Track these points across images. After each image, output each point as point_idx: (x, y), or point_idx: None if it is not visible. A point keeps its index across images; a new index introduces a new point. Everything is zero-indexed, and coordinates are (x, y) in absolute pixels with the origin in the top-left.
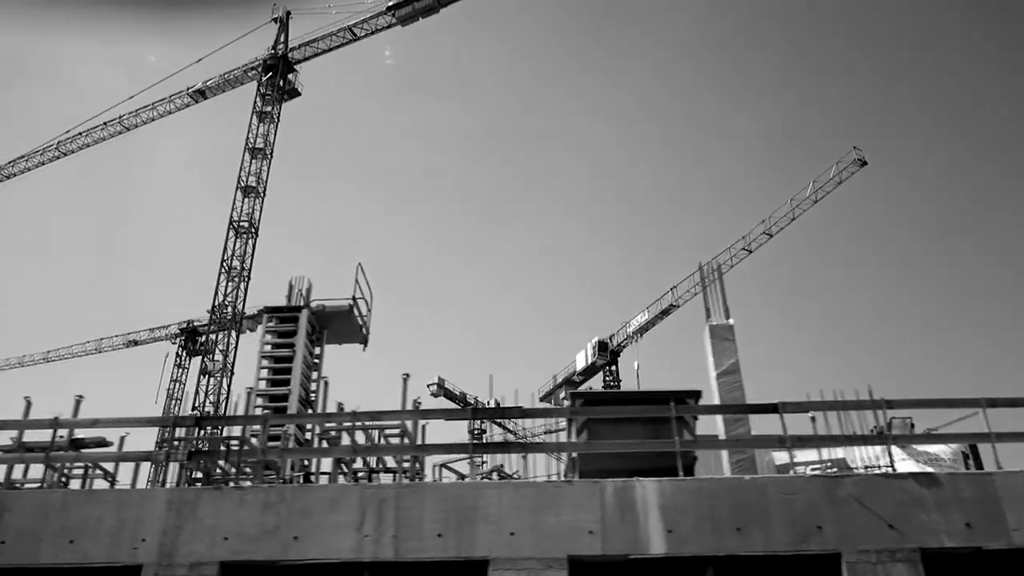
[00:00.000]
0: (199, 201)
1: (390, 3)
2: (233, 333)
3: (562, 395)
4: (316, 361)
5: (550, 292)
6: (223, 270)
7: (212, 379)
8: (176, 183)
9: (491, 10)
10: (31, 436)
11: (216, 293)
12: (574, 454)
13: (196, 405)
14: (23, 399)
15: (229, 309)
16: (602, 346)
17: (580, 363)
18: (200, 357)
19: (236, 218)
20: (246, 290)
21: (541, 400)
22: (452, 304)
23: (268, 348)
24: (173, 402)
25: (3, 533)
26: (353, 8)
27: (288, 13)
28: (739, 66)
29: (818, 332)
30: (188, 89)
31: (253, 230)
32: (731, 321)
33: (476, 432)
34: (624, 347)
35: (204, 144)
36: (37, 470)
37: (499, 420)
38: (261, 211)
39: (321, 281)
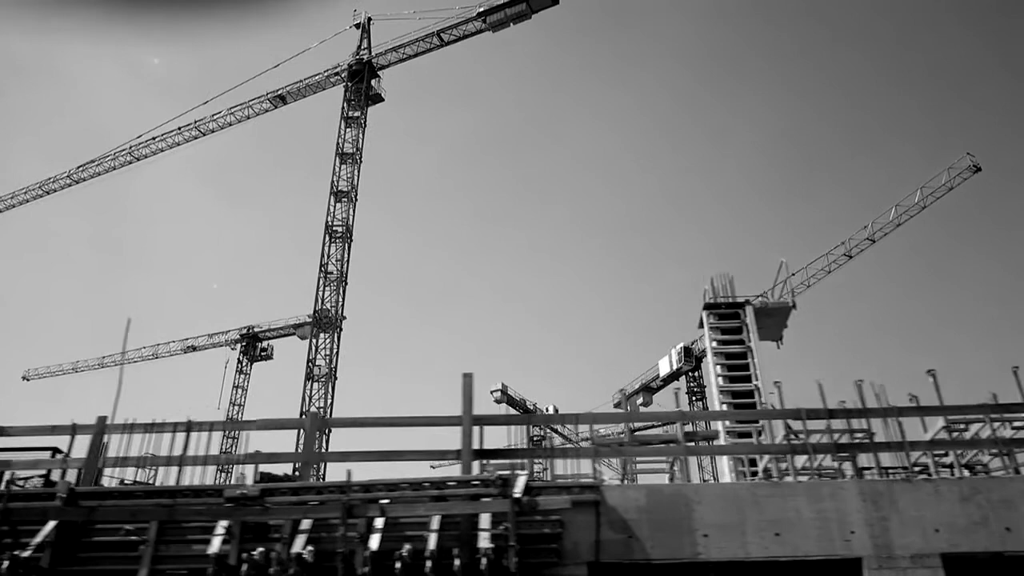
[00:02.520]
0: (211, 205)
1: (481, 9)
2: (335, 337)
3: (639, 400)
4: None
5: (608, 302)
6: (321, 275)
7: (317, 383)
8: (178, 187)
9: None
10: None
11: (316, 299)
12: None
13: (304, 411)
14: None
15: (332, 313)
16: (687, 352)
17: (663, 369)
18: (261, 362)
19: (331, 223)
20: (344, 294)
21: (616, 406)
22: (511, 310)
23: (715, 344)
24: (235, 408)
25: (701, 526)
26: (437, 14)
27: (369, 19)
28: (745, 70)
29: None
30: (267, 94)
31: (348, 235)
32: None
33: (537, 439)
34: (706, 353)
35: (204, 149)
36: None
37: (555, 426)
38: (354, 215)
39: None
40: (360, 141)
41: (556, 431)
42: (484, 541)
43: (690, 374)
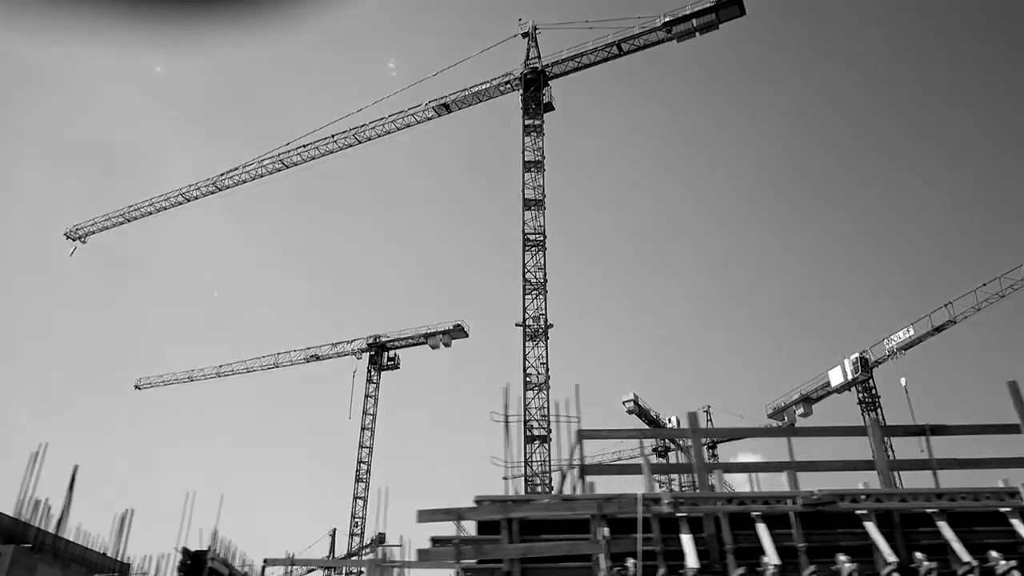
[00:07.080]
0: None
1: (666, 19)
2: (544, 345)
3: (799, 411)
4: None
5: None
6: (524, 283)
7: (531, 392)
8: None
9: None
10: None
11: (524, 307)
12: None
13: (527, 420)
14: None
15: (541, 321)
16: (863, 362)
17: (835, 379)
18: (387, 371)
19: (527, 231)
20: (546, 302)
21: (769, 417)
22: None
23: None
24: (367, 417)
25: None
26: (613, 24)
27: (535, 27)
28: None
29: None
30: (429, 102)
31: (543, 242)
32: None
33: (661, 450)
34: (880, 363)
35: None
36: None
37: (678, 440)
38: (545, 221)
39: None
40: (543, 148)
41: (677, 444)
42: None
43: (864, 385)
